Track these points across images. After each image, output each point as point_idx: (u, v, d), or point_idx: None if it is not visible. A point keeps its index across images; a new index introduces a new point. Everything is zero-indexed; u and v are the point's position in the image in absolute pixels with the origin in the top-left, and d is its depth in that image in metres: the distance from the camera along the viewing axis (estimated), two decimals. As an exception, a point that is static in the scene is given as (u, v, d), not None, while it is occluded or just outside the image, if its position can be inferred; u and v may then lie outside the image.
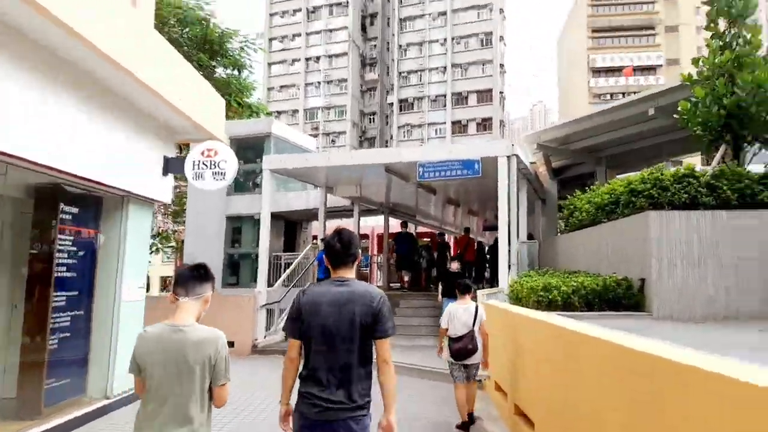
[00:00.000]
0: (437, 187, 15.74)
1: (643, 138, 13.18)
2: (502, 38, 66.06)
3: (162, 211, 25.49)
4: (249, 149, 18.84)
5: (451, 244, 22.10)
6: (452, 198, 18.13)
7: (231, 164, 7.99)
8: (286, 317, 3.44)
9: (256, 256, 19.19)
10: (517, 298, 8.56)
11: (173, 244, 27.44)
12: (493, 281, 16.24)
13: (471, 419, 6.29)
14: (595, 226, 9.29)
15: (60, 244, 6.49)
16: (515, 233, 11.60)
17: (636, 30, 74.14)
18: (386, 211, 20.44)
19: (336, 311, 2.90)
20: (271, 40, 70.34)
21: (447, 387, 7.63)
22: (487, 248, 18.69)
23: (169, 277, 37.66)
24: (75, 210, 6.73)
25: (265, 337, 12.80)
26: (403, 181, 14.16)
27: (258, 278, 13.09)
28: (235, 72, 23.83)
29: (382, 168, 12.46)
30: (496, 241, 17.79)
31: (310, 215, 20.67)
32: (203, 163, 7.87)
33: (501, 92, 63.06)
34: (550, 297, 7.33)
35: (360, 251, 3.20)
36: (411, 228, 21.59)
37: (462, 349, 6.10)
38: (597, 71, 73.38)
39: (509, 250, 11.12)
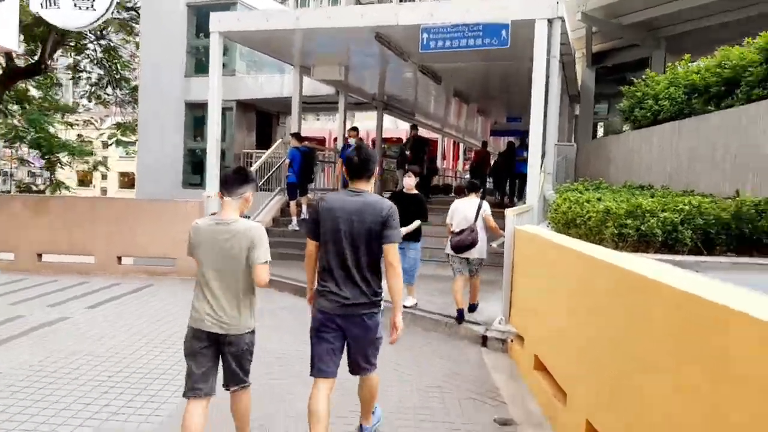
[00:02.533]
0: (443, 72, 12.32)
1: (729, 9, 9.68)
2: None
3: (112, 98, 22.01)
4: (210, 19, 15.04)
5: (450, 152, 18.88)
6: (460, 88, 14.69)
7: (102, -18, 4.64)
8: (306, 224, 3.86)
9: (223, 152, 16.16)
10: (566, 224, 5.57)
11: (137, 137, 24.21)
12: (513, 196, 13.28)
13: (473, 307, 6.44)
14: (687, 118, 6.12)
15: None
16: (547, 134, 8.45)
17: None
18: (380, 106, 17.02)
19: (349, 218, 3.20)
20: None
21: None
22: (496, 157, 15.57)
23: (130, 173, 34.14)
24: None
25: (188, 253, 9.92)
26: (400, 60, 10.76)
27: (207, 179, 10.00)
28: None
29: (371, 35, 9.05)
30: (510, 146, 14.73)
31: (289, 106, 17.27)
32: (58, -20, 4.55)
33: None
34: (643, 228, 4.32)
35: (376, 167, 3.47)
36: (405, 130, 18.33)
37: (462, 241, 6.10)
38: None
39: (543, 156, 8.03)
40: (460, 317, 6.20)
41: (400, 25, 8.51)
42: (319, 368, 3.22)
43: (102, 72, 23.51)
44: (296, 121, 12.32)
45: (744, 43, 5.79)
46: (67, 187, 22.02)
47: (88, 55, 23.53)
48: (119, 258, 9.63)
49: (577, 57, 12.29)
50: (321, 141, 24.94)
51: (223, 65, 16.43)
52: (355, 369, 3.34)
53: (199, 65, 16.24)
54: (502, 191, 14.62)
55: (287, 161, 10.88)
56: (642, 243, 4.33)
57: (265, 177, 11.84)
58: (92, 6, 4.80)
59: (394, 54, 10.05)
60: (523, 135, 13.70)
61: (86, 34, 23.27)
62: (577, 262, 3.32)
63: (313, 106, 16.93)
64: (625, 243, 4.35)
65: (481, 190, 6.62)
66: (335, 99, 15.26)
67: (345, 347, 3.29)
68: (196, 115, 16.21)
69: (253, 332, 3.12)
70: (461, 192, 6.63)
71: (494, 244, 6.83)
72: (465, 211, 6.19)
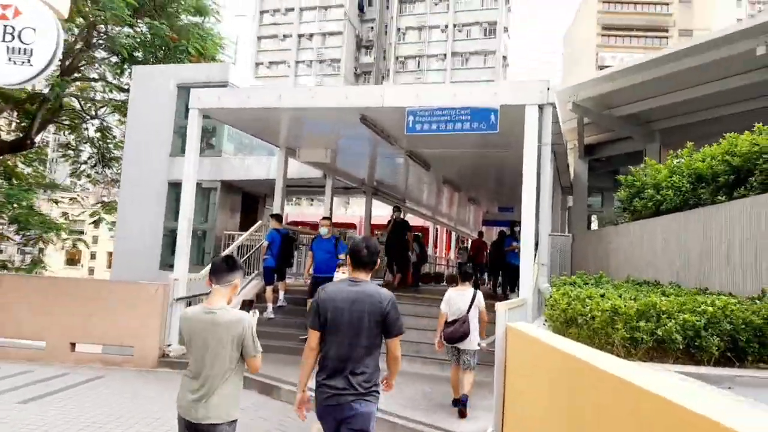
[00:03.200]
0: (432, 159, 12.01)
1: (726, 103, 9.50)
2: (506, 29, 62.51)
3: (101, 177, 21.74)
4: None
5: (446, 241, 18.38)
6: (450, 176, 14.39)
7: (46, 37, 4.20)
8: (310, 316, 3.49)
9: (204, 233, 15.57)
10: (565, 322, 4.87)
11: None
12: (506, 288, 12.59)
13: (464, 402, 6.07)
14: (693, 209, 5.60)
15: None
16: (540, 224, 7.93)
17: (648, 30, 70.62)
18: (368, 191, 16.67)
19: (348, 308, 3.26)
20: (262, 13, 66.16)
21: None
22: (489, 248, 15.05)
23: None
24: None
25: (180, 342, 9.04)
26: (388, 144, 10.44)
27: (176, 260, 9.29)
28: (198, 18, 20.28)
29: (356, 116, 8.73)
30: (501, 236, 14.26)
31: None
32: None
33: (503, 84, 59.37)
34: (660, 333, 3.63)
35: (379, 260, 3.60)
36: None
37: (454, 332, 6.08)
38: (605, 69, 69.78)
39: (536, 246, 7.46)
40: (456, 405, 6.17)
41: (386, 106, 8.19)
42: None
43: (93, 150, 23.42)
44: (279, 203, 11.83)
45: (755, 131, 5.39)
46: (44, 266, 21.18)
47: (80, 134, 23.56)
48: (73, 345, 8.72)
49: (569, 148, 12.08)
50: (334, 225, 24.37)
51: (210, 146, 16.27)
52: None
53: (185, 145, 16.02)
54: (495, 282, 14.00)
55: (265, 243, 10.23)
56: (658, 350, 3.64)
57: (242, 259, 11.11)
58: (29, 61, 4.31)
59: (380, 137, 9.72)
60: (512, 225, 13.25)
61: (81, 114, 23.47)
62: (589, 378, 2.62)
63: (301, 189, 16.55)
64: (638, 349, 3.66)
65: (473, 278, 6.53)
66: (323, 182, 14.89)
67: None
68: (179, 194, 15.74)
69: (234, 422, 3.10)
70: (453, 281, 6.71)
71: (483, 344, 6.15)
72: (458, 301, 6.18)
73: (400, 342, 3.38)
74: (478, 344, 6.23)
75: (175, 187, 15.74)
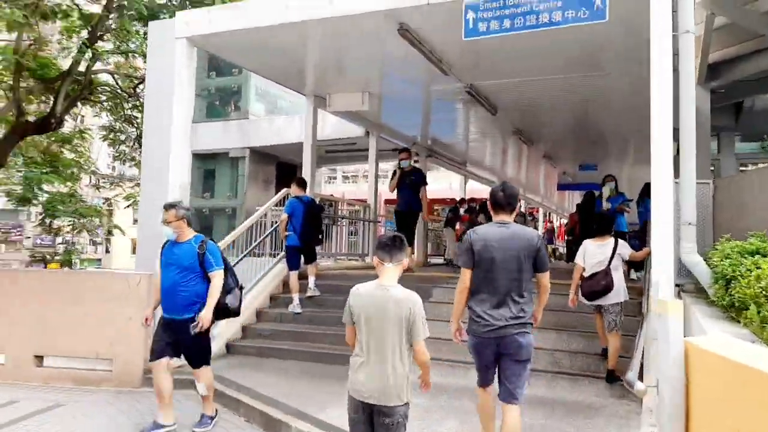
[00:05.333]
0: (499, 97, 9.26)
1: None
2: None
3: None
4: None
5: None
6: (520, 124, 11.52)
7: None
8: (462, 255, 3.68)
9: (234, 210, 13.51)
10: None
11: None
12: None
13: (611, 377, 5.43)
14: None
15: None
16: (684, 161, 5.13)
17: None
18: (422, 152, 14.03)
19: (502, 247, 3.48)
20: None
21: None
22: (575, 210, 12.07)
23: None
24: None
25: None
26: (441, 76, 7.82)
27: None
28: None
29: (393, 29, 6.16)
30: (589, 196, 11.34)
31: (320, 155, 14.51)
32: None
33: None
34: None
35: (519, 204, 3.97)
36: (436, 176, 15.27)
37: (593, 286, 5.49)
38: None
39: (676, 199, 4.72)
40: (605, 354, 5.66)
41: (434, 2, 5.56)
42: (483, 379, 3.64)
43: (132, 130, 21.93)
44: (308, 167, 9.43)
45: None
46: (78, 257, 19.88)
47: (120, 113, 22.07)
48: (39, 358, 6.72)
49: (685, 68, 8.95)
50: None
51: (236, 107, 14.16)
52: (504, 395, 3.50)
53: (211, 109, 13.92)
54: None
55: (284, 216, 7.87)
56: None
57: (259, 239, 8.74)
58: None
59: (430, 60, 7.09)
60: (605, 179, 10.32)
61: (118, 92, 21.93)
62: None
63: (342, 153, 14.12)
64: None
65: (612, 229, 6.02)
66: (367, 144, 12.39)
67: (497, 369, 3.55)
68: (205, 167, 13.75)
69: (407, 405, 2.99)
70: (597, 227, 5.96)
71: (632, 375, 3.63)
72: (597, 253, 5.62)
73: None
74: (625, 298, 5.54)
75: (199, 159, 13.73)
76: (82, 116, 24.98)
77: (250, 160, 12.92)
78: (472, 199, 13.59)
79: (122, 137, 22.73)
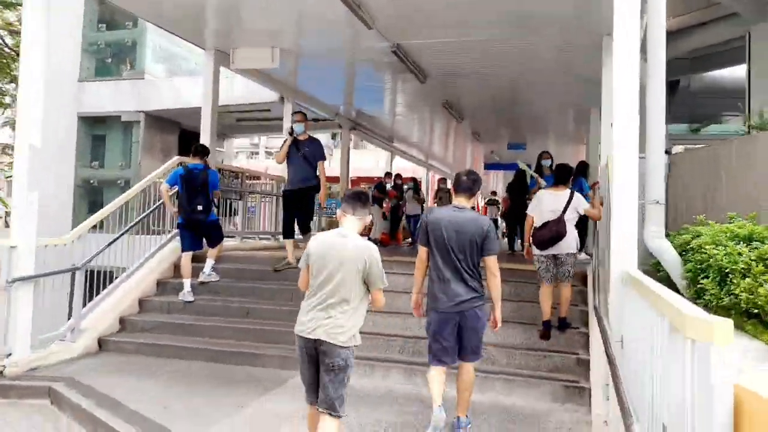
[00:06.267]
0: (427, 60, 8.30)
1: None
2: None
3: None
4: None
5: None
6: (450, 96, 10.65)
7: None
8: (419, 233, 4.01)
9: (127, 182, 11.87)
10: None
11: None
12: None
13: (563, 324, 5.32)
14: None
15: None
16: (649, 130, 4.36)
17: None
18: (346, 125, 12.92)
19: (455, 229, 3.73)
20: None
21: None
22: (506, 187, 11.29)
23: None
24: None
25: (31, 348, 5.48)
26: (364, 30, 6.74)
27: (15, 218, 5.59)
28: None
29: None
30: (519, 175, 10.60)
31: (226, 124, 13.03)
32: None
33: None
34: None
35: (479, 190, 3.99)
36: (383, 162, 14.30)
37: (545, 234, 5.24)
38: None
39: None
40: (546, 330, 5.28)
41: None
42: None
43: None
44: (208, 131, 8.07)
45: None
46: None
47: (9, 75, 19.39)
48: None
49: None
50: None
51: (131, 65, 12.43)
52: (463, 354, 3.82)
53: (102, 67, 12.12)
54: (511, 238, 10.49)
55: (164, 188, 6.64)
56: None
57: (144, 215, 7.31)
58: None
59: (349, 6, 5.99)
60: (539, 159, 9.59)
61: (6, 52, 19.22)
62: None
63: (254, 122, 12.72)
64: None
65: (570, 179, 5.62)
66: (280, 115, 11.07)
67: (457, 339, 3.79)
68: (93, 132, 11.97)
69: (351, 350, 3.07)
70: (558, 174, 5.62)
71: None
72: (552, 202, 5.34)
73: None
74: (577, 250, 5.45)
75: (87, 124, 11.94)
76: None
77: (146, 125, 11.29)
78: (399, 176, 12.64)
79: (8, 100, 20.09)
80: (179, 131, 12.27)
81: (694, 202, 4.78)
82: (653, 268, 4.12)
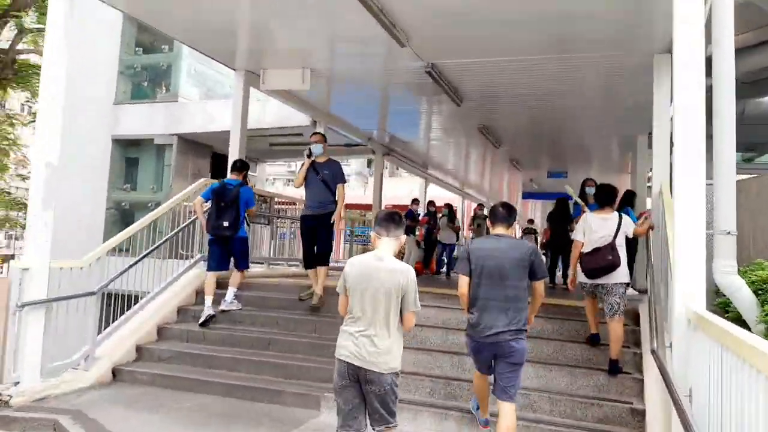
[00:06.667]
0: (464, 83, 7.96)
1: None
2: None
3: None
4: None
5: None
6: (487, 120, 10.25)
7: None
8: (459, 263, 4.01)
9: (158, 204, 11.74)
10: None
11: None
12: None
13: (614, 368, 4.72)
14: None
15: None
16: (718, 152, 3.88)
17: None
18: (379, 150, 12.64)
19: (496, 256, 3.75)
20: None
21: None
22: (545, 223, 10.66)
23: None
24: None
25: (42, 376, 5.21)
26: (397, 49, 6.44)
27: (28, 238, 5.39)
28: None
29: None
30: (561, 203, 10.08)
31: (258, 149, 12.93)
32: None
33: None
34: None
35: (516, 219, 4.08)
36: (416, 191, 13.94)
37: (598, 261, 4.83)
38: None
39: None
40: (593, 341, 5.05)
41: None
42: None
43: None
44: (236, 153, 7.86)
45: None
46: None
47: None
48: None
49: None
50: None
51: (166, 89, 12.46)
52: (498, 392, 3.71)
53: (137, 90, 12.18)
54: (553, 270, 9.74)
55: (196, 200, 6.51)
56: None
57: (166, 238, 7.06)
58: None
59: (382, 24, 5.70)
60: (583, 187, 9.00)
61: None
62: None
63: (285, 145, 12.54)
64: None
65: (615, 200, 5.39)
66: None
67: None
68: (126, 155, 11.98)
69: (396, 374, 3.06)
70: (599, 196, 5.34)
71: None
72: (601, 227, 5.01)
73: None
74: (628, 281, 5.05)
75: (121, 147, 11.97)
76: (3, 100, 22.59)
77: (178, 148, 11.22)
78: (432, 203, 12.24)
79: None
80: (211, 154, 12.19)
81: (764, 235, 4.23)
82: (719, 307, 3.59)
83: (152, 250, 6.56)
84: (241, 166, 6.93)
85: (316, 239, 6.56)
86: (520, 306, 3.71)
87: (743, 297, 3.27)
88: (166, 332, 6.40)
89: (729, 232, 3.43)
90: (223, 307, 6.49)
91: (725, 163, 3.65)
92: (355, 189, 39.14)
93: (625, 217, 5.09)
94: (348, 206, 26.83)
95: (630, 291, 8.28)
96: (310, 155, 6.57)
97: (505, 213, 3.90)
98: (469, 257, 3.83)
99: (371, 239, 3.29)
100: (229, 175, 6.92)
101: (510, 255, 3.70)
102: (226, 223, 6.32)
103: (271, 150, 12.89)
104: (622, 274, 4.87)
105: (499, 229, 3.88)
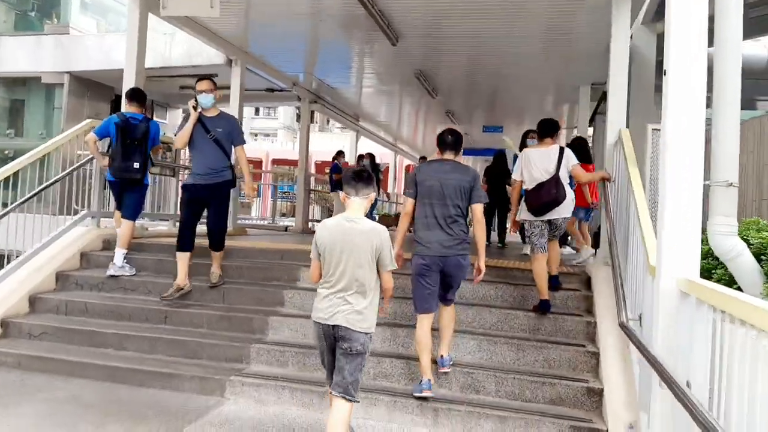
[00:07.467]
0: (399, 18, 7.03)
1: None
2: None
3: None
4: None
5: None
6: (423, 66, 9.38)
7: None
8: (407, 188, 4.08)
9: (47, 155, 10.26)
10: None
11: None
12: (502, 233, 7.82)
13: (555, 283, 4.82)
14: None
15: None
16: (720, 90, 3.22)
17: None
18: (305, 97, 11.54)
19: (443, 177, 3.90)
20: None
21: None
22: (484, 173, 9.98)
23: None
24: None
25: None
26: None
27: None
28: None
29: None
30: (499, 158, 9.52)
31: (167, 92, 11.51)
32: None
33: None
34: None
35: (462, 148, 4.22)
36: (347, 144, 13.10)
37: (543, 197, 4.62)
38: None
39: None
40: (544, 309, 4.56)
41: None
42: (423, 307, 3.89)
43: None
44: (130, 84, 6.61)
45: None
46: None
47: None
48: None
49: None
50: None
51: (56, 17, 10.74)
52: (442, 300, 3.98)
53: (23, 20, 10.43)
54: (488, 227, 9.05)
55: (89, 137, 5.46)
56: None
57: (41, 188, 5.85)
58: None
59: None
60: (524, 138, 8.32)
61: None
62: None
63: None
64: None
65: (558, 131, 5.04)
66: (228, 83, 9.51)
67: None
68: (12, 96, 10.30)
69: (369, 335, 3.03)
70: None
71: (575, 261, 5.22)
72: (541, 160, 4.76)
73: None
74: (572, 261, 5.37)
75: (4, 86, 10.26)
76: None
77: (71, 88, 9.66)
78: (362, 156, 11.39)
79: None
80: (114, 97, 10.69)
81: (744, 185, 3.69)
82: (703, 272, 2.99)
83: (24, 201, 5.44)
84: (141, 96, 5.78)
85: (208, 215, 5.25)
86: (464, 225, 3.92)
87: (743, 263, 2.69)
88: (40, 303, 5.29)
89: (731, 184, 2.80)
90: (111, 272, 5.44)
91: (728, 94, 2.98)
92: (284, 144, 37.54)
93: (567, 149, 4.82)
94: (276, 161, 25.44)
95: (567, 250, 7.87)
96: (196, 107, 5.07)
97: (453, 140, 4.03)
98: (415, 179, 3.98)
99: (341, 199, 3.18)
100: (125, 107, 5.75)
101: (452, 176, 3.87)
102: (137, 165, 5.38)
103: (181, 94, 11.49)
104: (567, 208, 4.77)
105: (447, 155, 4.02)
